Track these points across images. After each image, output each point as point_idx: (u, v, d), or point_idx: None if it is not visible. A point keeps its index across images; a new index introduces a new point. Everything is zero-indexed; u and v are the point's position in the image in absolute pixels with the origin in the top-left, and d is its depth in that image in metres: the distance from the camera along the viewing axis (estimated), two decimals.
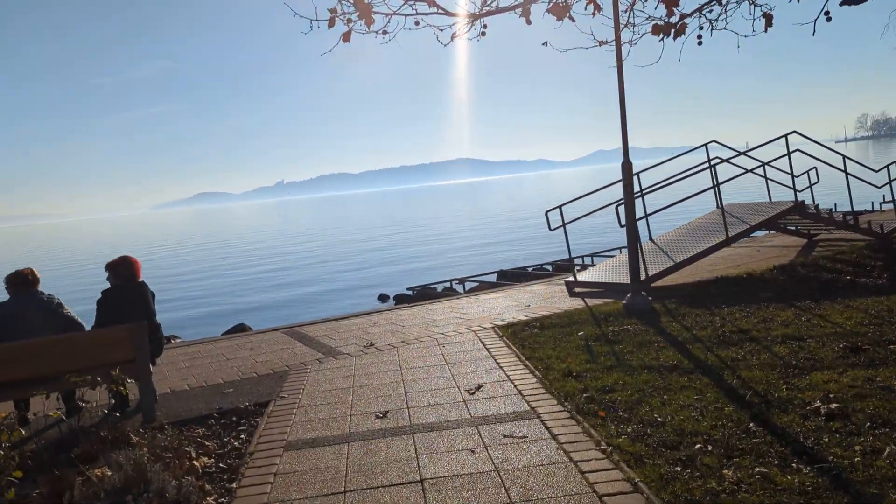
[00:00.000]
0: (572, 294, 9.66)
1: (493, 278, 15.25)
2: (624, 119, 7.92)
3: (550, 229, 9.97)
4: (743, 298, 8.08)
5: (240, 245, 49.93)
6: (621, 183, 8.03)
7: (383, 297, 16.67)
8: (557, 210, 9.92)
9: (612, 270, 9.74)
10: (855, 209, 12.08)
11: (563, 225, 10.00)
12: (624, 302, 8.13)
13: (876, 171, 11.74)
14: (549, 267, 15.86)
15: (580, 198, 10.27)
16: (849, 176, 11.29)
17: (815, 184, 11.31)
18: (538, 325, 7.71)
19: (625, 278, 9.14)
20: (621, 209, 8.59)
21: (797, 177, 11.14)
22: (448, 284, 14.27)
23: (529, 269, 15.63)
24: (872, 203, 15.93)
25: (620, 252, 14.58)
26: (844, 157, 11.31)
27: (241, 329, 13.14)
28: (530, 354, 6.49)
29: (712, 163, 10.48)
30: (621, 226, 8.79)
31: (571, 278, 10.03)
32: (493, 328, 7.84)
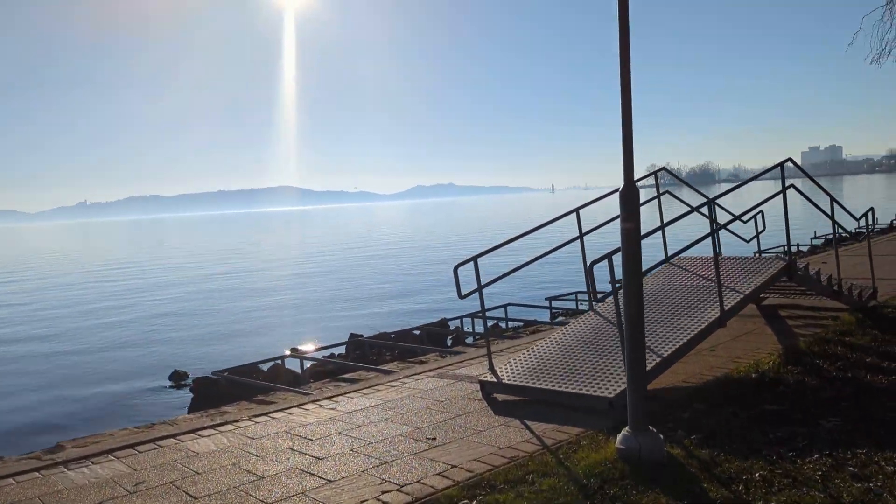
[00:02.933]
0: (493, 404, 5.88)
1: (342, 349, 11.00)
2: (629, 136, 4.40)
3: (461, 296, 6.12)
4: (790, 424, 4.81)
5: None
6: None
7: (179, 377, 11.66)
8: (472, 264, 6.10)
9: (559, 367, 6.04)
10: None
11: (480, 289, 6.20)
12: (618, 445, 4.44)
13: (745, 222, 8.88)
14: (417, 332, 11.90)
15: (500, 246, 6.56)
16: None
17: (761, 232, 8.51)
18: None
19: (591, 385, 5.50)
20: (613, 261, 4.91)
21: (745, 221, 8.20)
22: (278, 362, 9.87)
23: (392, 335, 11.60)
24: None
25: (568, 320, 10.63)
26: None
27: None
28: None
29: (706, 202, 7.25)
30: (595, 299, 5.22)
31: (488, 375, 6.21)
32: None
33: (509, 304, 12.80)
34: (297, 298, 23.44)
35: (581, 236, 7.47)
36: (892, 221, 29.69)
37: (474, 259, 6.18)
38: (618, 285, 5.36)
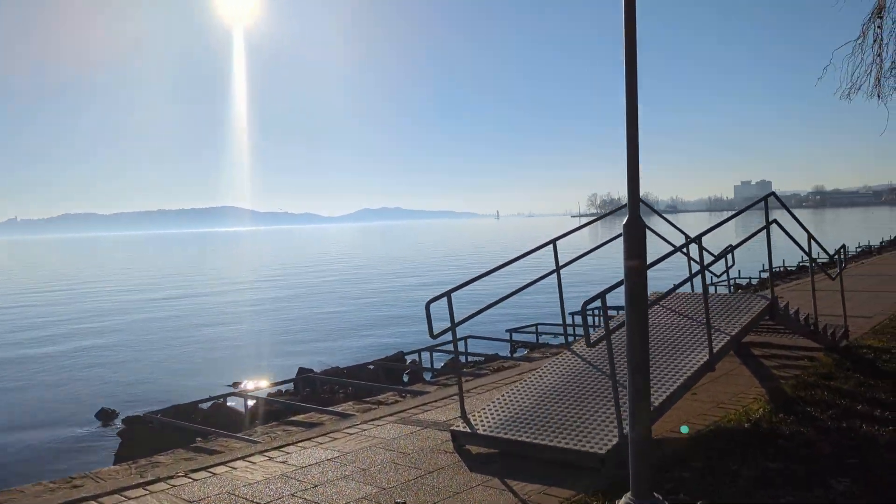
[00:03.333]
0: (467, 458, 5.26)
1: (290, 386, 10.12)
2: (634, 169, 3.91)
3: (433, 336, 5.50)
4: (798, 487, 4.36)
5: None
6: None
7: (108, 416, 10.55)
8: (446, 299, 5.50)
9: (540, 416, 5.46)
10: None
11: (453, 327, 5.62)
12: None
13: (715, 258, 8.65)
14: (372, 367, 11.13)
15: (476, 279, 5.99)
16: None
17: (731, 267, 8.19)
18: None
19: (579, 438, 4.94)
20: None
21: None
22: (220, 400, 8.96)
23: (345, 371, 10.83)
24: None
25: (534, 356, 10.10)
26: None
27: None
28: None
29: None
30: (589, 343, 4.70)
31: (460, 425, 5.60)
32: None
33: (469, 337, 12.19)
34: (240, 329, 21.94)
35: (558, 269, 6.98)
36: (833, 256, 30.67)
37: (448, 294, 5.58)
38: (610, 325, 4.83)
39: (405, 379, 11.23)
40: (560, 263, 7.01)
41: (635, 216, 3.96)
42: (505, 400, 5.85)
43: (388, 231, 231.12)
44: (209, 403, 9.06)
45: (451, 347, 11.85)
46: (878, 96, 9.76)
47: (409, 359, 12.16)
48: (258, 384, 10.59)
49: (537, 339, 13.49)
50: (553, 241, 6.85)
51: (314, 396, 9.34)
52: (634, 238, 3.94)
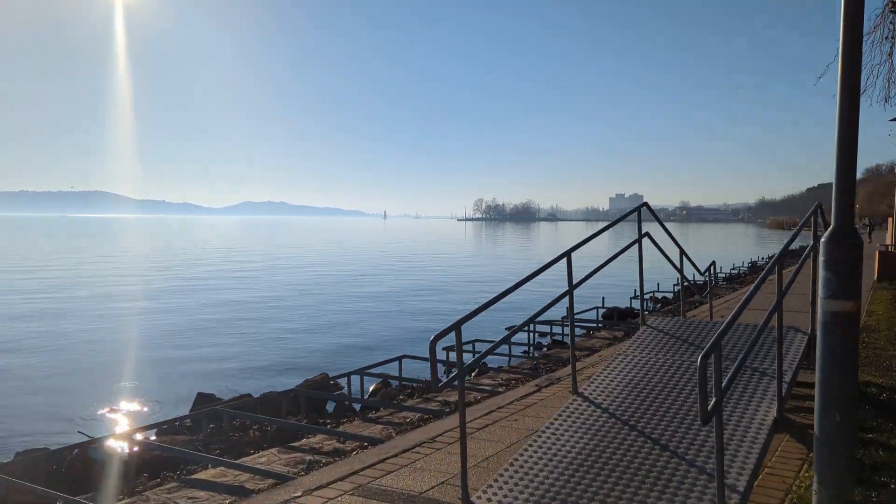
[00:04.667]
0: None
1: (188, 420, 7.89)
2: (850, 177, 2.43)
3: (438, 388, 3.72)
4: None
5: None
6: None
7: None
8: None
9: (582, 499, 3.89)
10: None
11: (462, 375, 4.13)
12: None
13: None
14: (292, 395, 9.05)
15: (488, 305, 4.33)
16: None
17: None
18: None
19: None
20: None
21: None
22: (78, 450, 6.65)
23: (257, 399, 8.76)
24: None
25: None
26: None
27: None
28: None
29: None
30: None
31: None
32: None
33: (405, 357, 10.49)
34: (113, 337, 17.30)
35: (571, 289, 5.48)
36: (729, 272, 30.90)
37: (456, 327, 3.90)
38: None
39: (329, 408, 9.39)
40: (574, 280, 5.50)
41: (847, 234, 2.47)
42: (524, 468, 4.23)
43: (279, 225, 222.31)
44: (71, 450, 6.79)
45: (383, 370, 10.32)
46: (886, 100, 8.97)
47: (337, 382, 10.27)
48: (140, 420, 8.34)
49: (473, 356, 12.04)
50: (567, 254, 5.32)
51: (220, 436, 7.32)
52: (845, 267, 2.46)
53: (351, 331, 17.91)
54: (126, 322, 20.17)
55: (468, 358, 12.18)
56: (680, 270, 7.69)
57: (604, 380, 5.57)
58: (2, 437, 9.09)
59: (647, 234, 6.79)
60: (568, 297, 5.67)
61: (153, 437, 7.43)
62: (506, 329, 13.46)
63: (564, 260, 5.41)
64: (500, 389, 9.03)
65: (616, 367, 5.83)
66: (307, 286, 30.25)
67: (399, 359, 10.36)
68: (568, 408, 5.08)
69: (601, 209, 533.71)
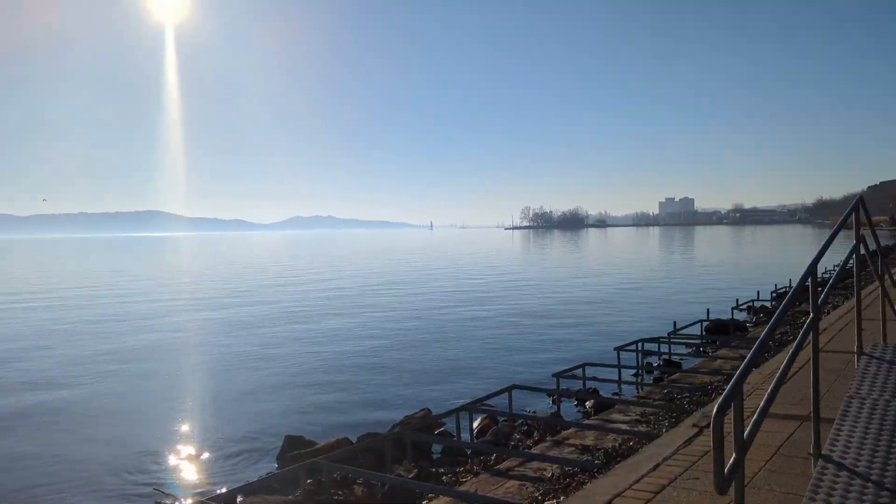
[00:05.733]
0: None
1: (265, 473, 6.50)
2: None
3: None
4: None
5: None
6: None
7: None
8: None
9: None
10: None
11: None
12: None
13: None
14: (391, 439, 7.60)
15: None
16: None
17: None
18: None
19: None
20: None
21: None
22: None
23: (355, 443, 7.38)
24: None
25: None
26: None
27: None
28: None
29: None
30: None
31: None
32: None
33: (515, 387, 9.04)
34: (187, 364, 15.56)
35: (817, 315, 4.01)
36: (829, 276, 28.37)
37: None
38: None
39: (436, 451, 8.02)
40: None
41: None
42: None
43: (333, 239, 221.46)
44: None
45: (492, 403, 8.85)
46: None
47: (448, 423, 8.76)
48: (218, 467, 7.04)
49: (584, 384, 10.48)
50: (812, 271, 3.78)
51: (321, 495, 6.00)
52: None
53: (448, 355, 15.38)
54: (203, 349, 18.00)
55: (574, 384, 10.71)
56: (882, 279, 6.04)
57: (856, 438, 4.04)
58: (65, 486, 7.92)
59: (863, 236, 5.19)
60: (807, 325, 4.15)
61: (240, 499, 6.16)
62: (614, 349, 11.90)
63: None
64: (640, 428, 7.55)
65: (859, 419, 4.29)
66: (392, 305, 26.40)
67: (508, 390, 8.92)
68: (823, 484, 3.56)
69: (651, 214, 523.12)
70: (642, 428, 7.55)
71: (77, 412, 11.37)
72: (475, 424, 8.71)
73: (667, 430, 6.99)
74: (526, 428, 8.48)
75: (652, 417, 7.98)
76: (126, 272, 54.72)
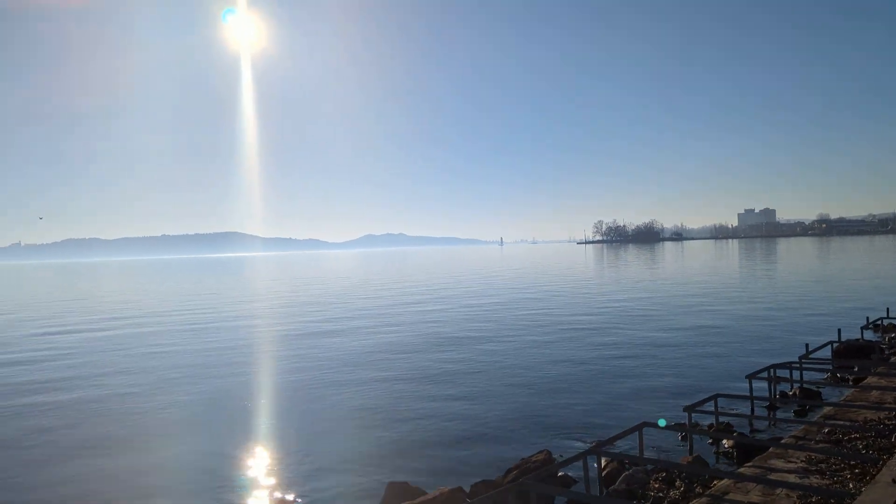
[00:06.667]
0: None
1: None
2: None
3: None
4: None
5: None
6: None
7: None
8: None
9: None
10: None
11: None
12: None
13: None
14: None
15: None
16: None
17: None
18: None
19: None
20: None
21: None
22: None
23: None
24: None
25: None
26: None
27: None
28: None
29: None
30: None
31: None
32: None
33: (645, 425, 7.84)
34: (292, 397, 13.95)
35: None
36: None
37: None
38: None
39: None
40: None
41: None
42: None
43: (409, 256, 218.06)
44: None
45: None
46: None
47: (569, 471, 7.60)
48: None
49: (717, 420, 9.12)
50: None
51: None
52: None
53: (556, 385, 13.61)
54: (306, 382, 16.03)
55: (703, 418, 9.37)
56: None
57: None
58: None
59: None
60: None
61: None
62: (746, 376, 10.46)
63: None
64: (813, 480, 6.23)
65: None
66: (505, 330, 23.65)
67: (639, 428, 7.71)
68: None
69: (729, 226, 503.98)
70: (817, 480, 6.23)
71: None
72: (603, 468, 7.50)
73: (857, 486, 5.68)
74: (664, 475, 7.21)
75: (823, 466, 6.64)
76: (224, 293, 53.52)
